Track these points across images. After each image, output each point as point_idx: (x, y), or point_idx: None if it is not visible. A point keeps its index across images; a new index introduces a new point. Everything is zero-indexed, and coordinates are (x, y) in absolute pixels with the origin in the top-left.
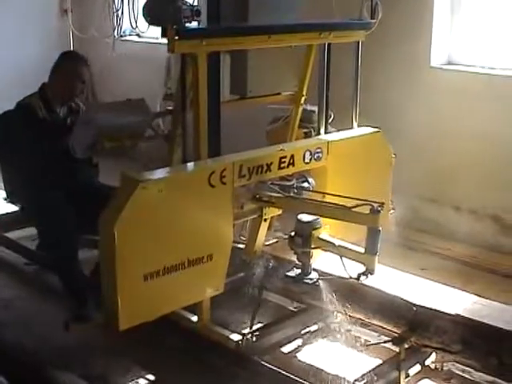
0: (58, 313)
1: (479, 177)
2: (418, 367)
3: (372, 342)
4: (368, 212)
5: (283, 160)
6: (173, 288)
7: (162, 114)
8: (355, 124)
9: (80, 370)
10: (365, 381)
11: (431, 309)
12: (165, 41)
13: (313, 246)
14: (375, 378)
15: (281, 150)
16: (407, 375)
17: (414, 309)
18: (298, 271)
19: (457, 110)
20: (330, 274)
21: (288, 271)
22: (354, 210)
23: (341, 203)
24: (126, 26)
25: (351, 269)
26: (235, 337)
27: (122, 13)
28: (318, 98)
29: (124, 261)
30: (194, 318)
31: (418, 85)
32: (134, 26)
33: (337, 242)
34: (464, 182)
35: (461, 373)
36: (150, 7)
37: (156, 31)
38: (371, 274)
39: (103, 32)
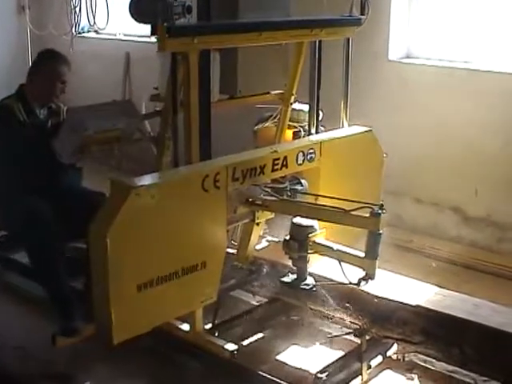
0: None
1: (439, 169)
2: (379, 358)
3: (334, 334)
4: (368, 215)
5: (276, 162)
6: (167, 298)
7: (150, 115)
8: (346, 123)
9: (41, 369)
10: (327, 373)
11: (392, 300)
12: (123, 37)
13: (310, 251)
14: (337, 369)
15: (274, 151)
16: (369, 366)
17: (376, 300)
18: (294, 276)
19: (416, 104)
20: (327, 279)
21: (282, 277)
22: (353, 213)
23: (336, 205)
24: (84, 22)
25: (348, 273)
26: (230, 346)
27: (80, 10)
28: (309, 96)
29: (117, 271)
30: (186, 327)
31: (377, 79)
32: (92, 22)
33: (335, 247)
34: (425, 175)
35: (423, 363)
36: (136, 4)
37: (115, 27)
38: (371, 279)
39: (61, 29)
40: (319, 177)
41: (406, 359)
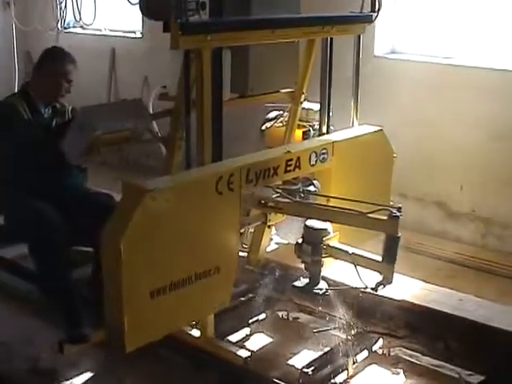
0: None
1: (424, 164)
2: (365, 353)
3: (320, 329)
4: (386, 217)
5: (289, 163)
6: (180, 304)
7: (160, 114)
8: (356, 122)
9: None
10: (313, 368)
11: (377, 295)
12: (108, 33)
13: (324, 255)
14: (323, 364)
15: (287, 151)
16: (355, 361)
17: (361, 295)
18: (306, 281)
19: (401, 99)
20: (341, 284)
21: (294, 281)
22: (370, 215)
23: (350, 207)
24: (69, 17)
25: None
26: (243, 353)
27: (66, 5)
28: (320, 95)
29: (130, 278)
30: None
31: (363, 74)
32: (78, 17)
33: (350, 250)
34: (409, 170)
35: (408, 357)
36: (148, 0)
37: (100, 23)
38: (389, 283)
39: (46, 24)
40: (331, 178)
41: (392, 354)
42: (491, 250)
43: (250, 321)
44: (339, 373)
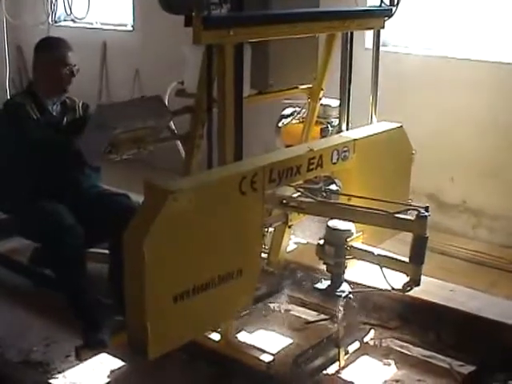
0: None
1: (415, 156)
2: (356, 344)
3: (311, 320)
4: (414, 217)
5: (312, 161)
6: (202, 309)
7: (180, 112)
8: (375, 119)
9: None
10: (304, 359)
11: (368, 286)
12: (99, 26)
13: (347, 256)
14: (315, 356)
15: (310, 150)
16: (346, 352)
17: (352, 286)
18: (328, 283)
19: (391, 91)
20: (365, 286)
21: (316, 283)
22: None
23: (373, 207)
24: (60, 11)
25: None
26: (266, 357)
27: None
28: (340, 91)
29: (153, 282)
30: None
31: (354, 67)
32: (69, 11)
33: (376, 251)
34: None
35: (399, 349)
36: None
37: (92, 16)
38: (417, 285)
39: (37, 18)
40: (352, 176)
41: (383, 345)
42: (482, 241)
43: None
44: (331, 364)
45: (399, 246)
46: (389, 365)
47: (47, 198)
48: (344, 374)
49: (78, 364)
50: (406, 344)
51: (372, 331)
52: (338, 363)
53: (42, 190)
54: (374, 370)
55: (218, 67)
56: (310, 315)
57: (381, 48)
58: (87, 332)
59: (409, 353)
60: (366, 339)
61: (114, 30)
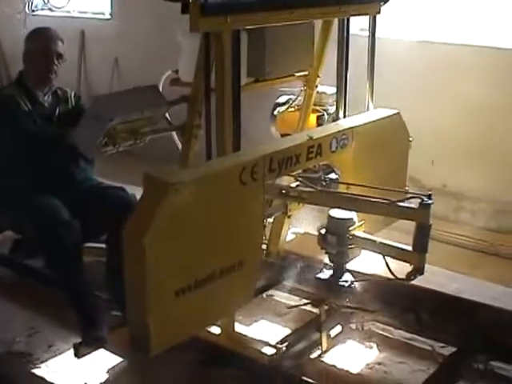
0: None
1: None
2: (338, 328)
3: (293, 305)
4: (417, 206)
5: (311, 150)
6: (204, 303)
7: (177, 101)
8: (371, 105)
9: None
10: (287, 343)
11: (349, 270)
12: (77, 14)
13: (350, 245)
14: (297, 340)
15: (310, 138)
16: (329, 336)
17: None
18: (330, 272)
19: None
20: (368, 275)
21: (318, 273)
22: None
23: (375, 195)
24: (37, 0)
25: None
26: (268, 350)
27: None
28: (337, 78)
29: (155, 277)
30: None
31: (332, 51)
32: (46, 0)
33: (378, 240)
34: None
35: (381, 331)
36: None
37: (71, 5)
38: (421, 274)
39: (14, 7)
40: (350, 165)
41: (365, 328)
42: (463, 224)
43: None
44: (313, 348)
45: (394, 234)
46: (370, 348)
47: (41, 193)
48: (326, 358)
49: (60, 354)
50: (387, 327)
51: (354, 315)
52: (320, 347)
53: (35, 184)
54: (356, 353)
55: (216, 55)
56: (292, 300)
57: (361, 33)
58: (85, 329)
59: (390, 335)
60: (347, 323)
61: (92, 18)
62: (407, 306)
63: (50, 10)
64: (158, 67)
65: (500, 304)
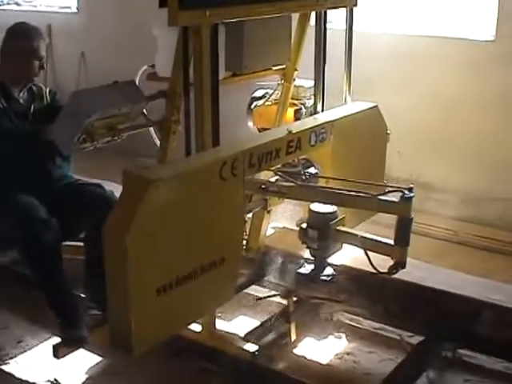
0: None
1: None
2: (307, 318)
3: (261, 296)
4: (398, 199)
5: (291, 144)
6: (186, 300)
7: (155, 96)
8: (349, 99)
9: None
10: (255, 335)
11: (353, 269)
12: (44, 8)
13: (331, 240)
14: (265, 331)
15: (289, 132)
16: (297, 327)
17: (302, 262)
18: (311, 267)
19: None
20: (350, 269)
21: (299, 268)
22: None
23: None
24: None
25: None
26: (251, 347)
27: None
28: (314, 71)
29: (136, 275)
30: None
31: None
32: None
33: (360, 234)
34: None
35: (350, 322)
36: None
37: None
38: (403, 267)
39: None
40: (329, 158)
41: (334, 319)
42: (430, 213)
43: None
44: (282, 339)
45: (374, 227)
46: (340, 338)
47: (18, 191)
48: (295, 349)
49: (29, 349)
50: (356, 317)
51: (322, 306)
52: (288, 338)
53: (11, 182)
54: (325, 343)
55: (194, 50)
56: (260, 292)
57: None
58: (65, 328)
59: (359, 325)
60: (316, 314)
61: (59, 12)
62: (374, 295)
63: (17, 4)
64: (125, 61)
65: (465, 292)
